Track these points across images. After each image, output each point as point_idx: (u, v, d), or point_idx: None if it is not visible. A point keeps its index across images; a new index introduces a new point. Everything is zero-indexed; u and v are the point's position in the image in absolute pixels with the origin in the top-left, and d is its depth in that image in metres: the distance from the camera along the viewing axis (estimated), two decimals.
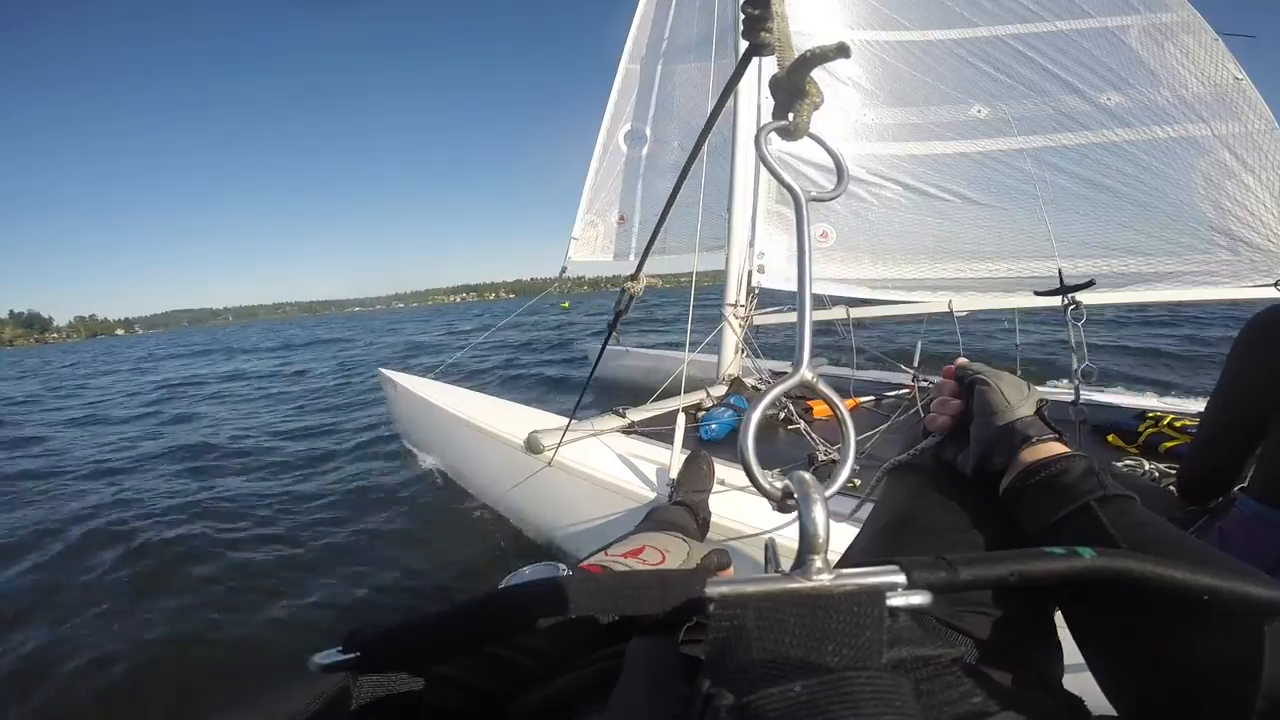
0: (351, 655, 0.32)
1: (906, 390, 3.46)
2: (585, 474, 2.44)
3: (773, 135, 0.45)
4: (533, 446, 2.57)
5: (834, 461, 2.30)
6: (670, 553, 0.86)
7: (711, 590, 0.26)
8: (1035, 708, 0.40)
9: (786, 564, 0.29)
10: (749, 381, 3.67)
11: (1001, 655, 0.45)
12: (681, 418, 2.45)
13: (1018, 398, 0.61)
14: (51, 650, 2.52)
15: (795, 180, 0.42)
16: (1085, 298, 2.86)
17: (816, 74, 0.45)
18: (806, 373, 0.35)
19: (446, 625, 0.33)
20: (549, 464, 2.54)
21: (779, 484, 0.31)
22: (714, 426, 2.86)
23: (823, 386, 0.36)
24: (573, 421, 2.66)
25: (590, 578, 0.35)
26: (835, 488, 0.31)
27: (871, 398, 3.43)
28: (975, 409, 0.63)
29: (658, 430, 2.78)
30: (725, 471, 2.18)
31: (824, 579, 0.26)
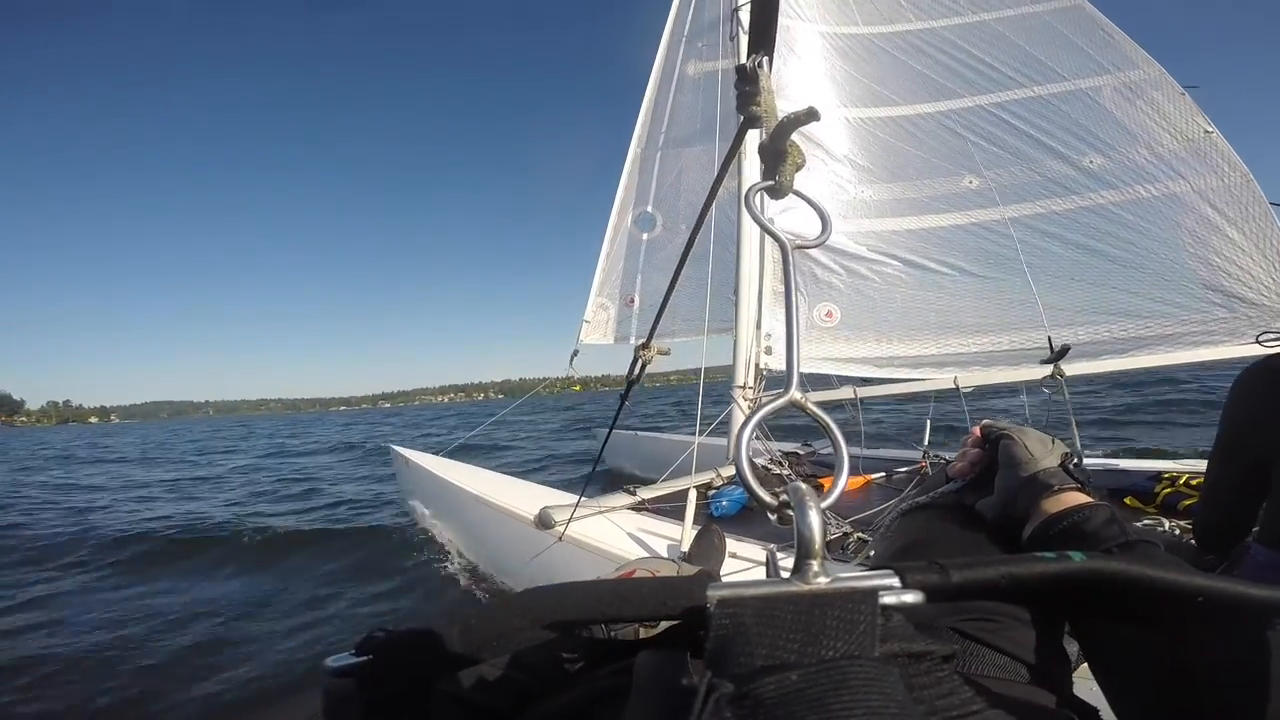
0: (364, 659, 0.33)
1: (917, 466, 3.46)
2: (597, 548, 2.43)
3: (763, 195, 0.50)
4: (544, 522, 2.58)
5: (845, 534, 2.28)
6: (660, 573, 0.85)
7: (712, 593, 0.27)
8: (1026, 707, 0.40)
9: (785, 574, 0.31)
10: (759, 462, 3.65)
11: (1001, 660, 0.45)
12: (693, 493, 2.48)
13: (1042, 451, 0.63)
14: None
15: (783, 234, 0.46)
16: (1088, 368, 2.83)
17: (811, 151, 0.50)
18: (796, 394, 0.39)
19: (457, 628, 0.34)
20: (560, 539, 2.54)
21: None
22: (724, 503, 2.88)
23: (812, 406, 0.38)
24: (583, 499, 2.68)
25: (594, 581, 0.36)
26: (832, 498, 0.33)
27: (882, 474, 3.43)
28: (1001, 461, 0.65)
29: (667, 508, 2.78)
30: (735, 546, 2.21)
31: (820, 582, 0.28)
